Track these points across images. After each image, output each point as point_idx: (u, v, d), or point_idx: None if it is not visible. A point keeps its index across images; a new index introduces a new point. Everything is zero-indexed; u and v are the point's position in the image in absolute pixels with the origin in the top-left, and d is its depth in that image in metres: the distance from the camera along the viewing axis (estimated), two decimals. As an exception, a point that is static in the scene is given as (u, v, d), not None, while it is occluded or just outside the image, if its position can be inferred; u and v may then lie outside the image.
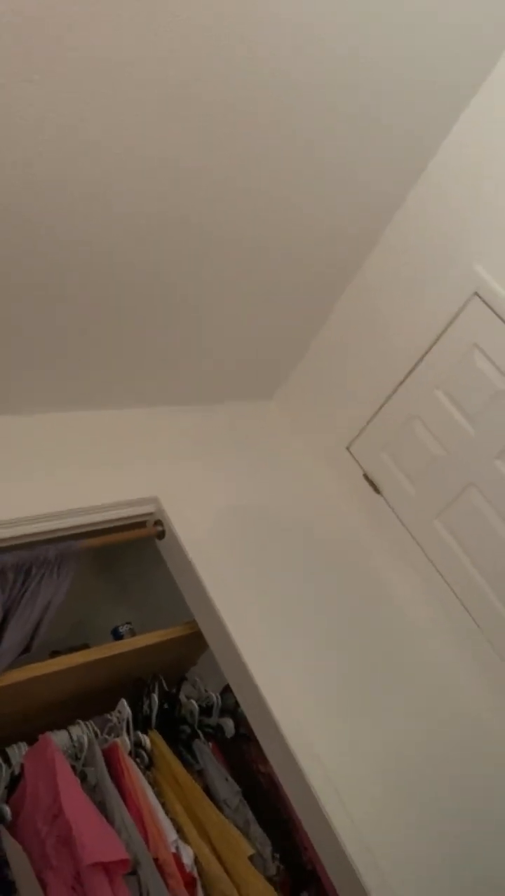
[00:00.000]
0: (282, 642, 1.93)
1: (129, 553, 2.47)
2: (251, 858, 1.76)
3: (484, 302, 2.11)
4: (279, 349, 2.63)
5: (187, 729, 2.06)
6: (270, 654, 1.87)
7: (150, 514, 2.20)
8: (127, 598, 2.62)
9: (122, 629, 2.20)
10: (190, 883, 1.69)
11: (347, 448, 2.58)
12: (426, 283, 2.28)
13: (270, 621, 1.97)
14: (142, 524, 2.22)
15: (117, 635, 2.20)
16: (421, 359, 2.31)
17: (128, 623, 2.24)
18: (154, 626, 2.17)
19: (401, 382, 2.38)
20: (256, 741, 2.05)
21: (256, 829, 1.87)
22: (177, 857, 1.70)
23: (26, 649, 1.85)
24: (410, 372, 2.35)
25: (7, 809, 1.70)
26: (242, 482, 2.36)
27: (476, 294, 2.12)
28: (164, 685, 2.13)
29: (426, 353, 2.29)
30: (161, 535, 2.17)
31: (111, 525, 2.14)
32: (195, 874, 1.71)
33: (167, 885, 1.64)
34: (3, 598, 1.83)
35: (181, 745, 2.01)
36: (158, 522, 2.19)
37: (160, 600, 2.43)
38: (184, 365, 2.35)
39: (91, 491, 2.09)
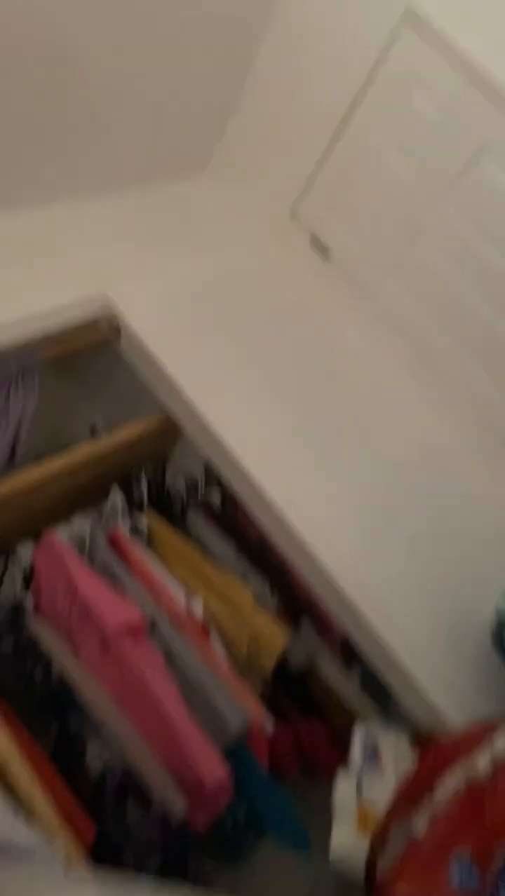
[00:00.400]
0: (251, 411, 2.03)
1: (91, 356, 2.46)
2: (255, 600, 1.99)
3: (414, 29, 1.94)
4: (203, 116, 2.43)
5: (178, 505, 2.21)
6: (241, 423, 1.98)
7: (104, 312, 2.16)
8: (99, 398, 2.67)
9: (99, 426, 2.28)
10: (204, 631, 1.92)
11: (292, 215, 2.50)
12: (353, 14, 2.07)
13: (238, 394, 2.05)
14: (94, 324, 2.19)
15: (94, 432, 2.28)
16: (356, 103, 2.17)
17: (103, 419, 2.30)
18: (127, 421, 2.24)
19: (337, 133, 2.25)
20: (242, 506, 2.23)
21: (254, 577, 2.10)
22: (188, 612, 1.92)
23: (11, 462, 1.92)
24: (346, 119, 2.21)
25: (28, 599, 1.87)
26: (188, 266, 2.31)
27: (405, 21, 1.95)
28: (149, 473, 2.25)
29: (360, 94, 2.15)
30: (117, 333, 2.16)
31: (65, 330, 2.11)
32: (207, 623, 1.94)
33: (184, 636, 1.86)
34: (-26, 417, 1.86)
35: (175, 521, 2.18)
36: (113, 319, 2.17)
37: (129, 398, 2.48)
38: (105, 143, 2.18)
39: (36, 296, 2.03)
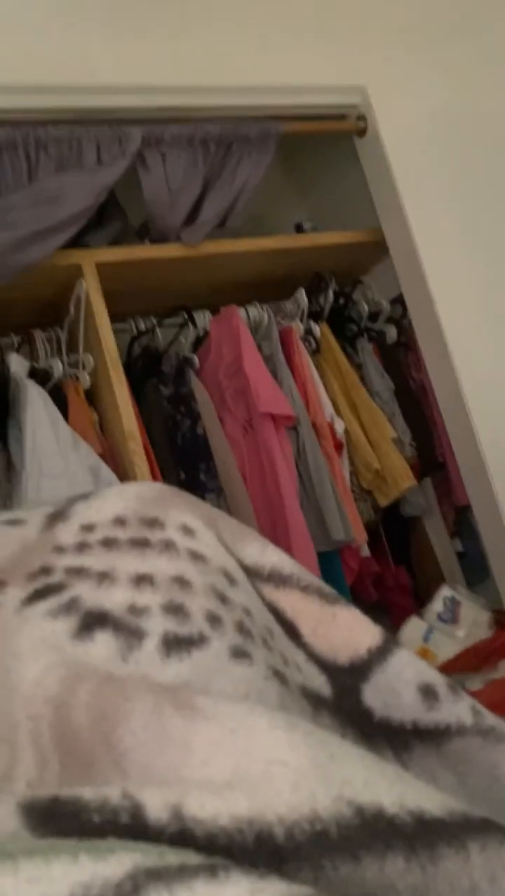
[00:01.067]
0: (467, 262, 1.93)
1: (315, 148, 2.39)
2: (393, 441, 2.02)
3: None
4: None
5: (354, 328, 2.21)
6: (451, 268, 1.90)
7: (354, 106, 2.06)
8: (308, 197, 2.62)
9: (306, 226, 2.25)
10: (338, 447, 1.99)
11: None
12: None
13: (462, 239, 1.95)
14: (341, 117, 2.10)
15: (300, 230, 2.26)
16: None
17: (311, 221, 2.27)
18: (334, 229, 2.19)
19: None
20: (414, 351, 2.20)
21: (399, 421, 2.11)
22: (330, 426, 1.98)
23: (221, 224, 1.95)
24: None
25: (195, 359, 1.98)
26: (464, 83, 2.12)
27: None
28: (337, 286, 2.23)
29: None
30: (362, 131, 2.07)
31: (311, 112, 2.04)
32: (343, 441, 2.00)
33: (320, 444, 1.93)
34: (204, 170, 1.88)
35: (346, 341, 2.18)
36: (361, 117, 2.07)
37: (342, 203, 2.41)
38: None
39: (297, 69, 1.96)
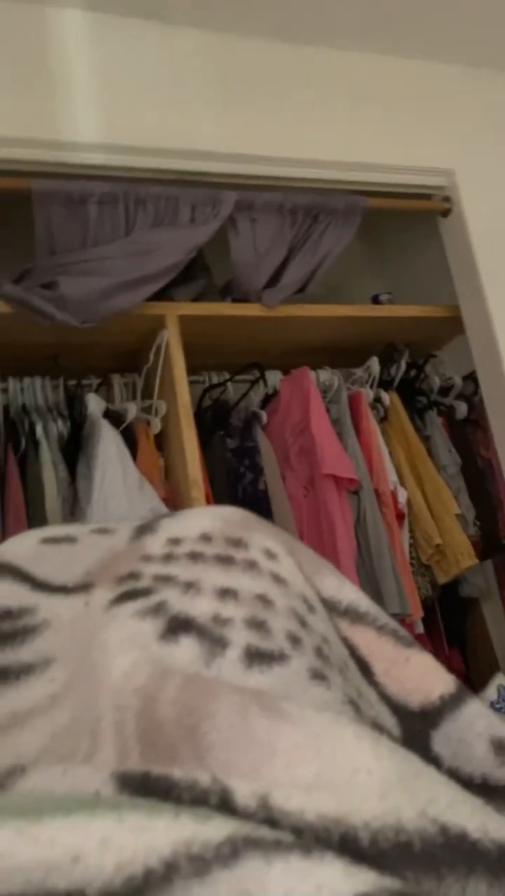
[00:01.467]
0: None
1: (397, 223, 2.44)
2: (456, 517, 1.98)
3: None
4: None
5: (424, 400, 2.21)
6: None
7: (441, 188, 2.12)
8: (387, 270, 2.67)
9: (383, 297, 2.29)
10: (400, 517, 1.96)
11: None
12: None
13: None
14: (426, 196, 2.16)
15: (376, 302, 2.30)
16: None
17: (388, 293, 2.31)
18: (410, 303, 2.22)
19: None
20: (483, 429, 2.18)
21: (464, 497, 2.08)
22: (393, 494, 1.96)
23: (301, 290, 2.01)
24: None
25: (263, 415, 2.00)
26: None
27: None
28: (410, 358, 2.25)
29: None
30: (447, 212, 2.11)
31: (397, 191, 2.11)
32: (405, 511, 1.98)
33: (381, 512, 1.91)
34: (290, 236, 1.94)
35: (415, 413, 2.18)
36: (447, 199, 2.12)
37: (420, 278, 2.45)
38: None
39: (387, 149, 2.04)
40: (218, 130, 1.86)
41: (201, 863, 0.19)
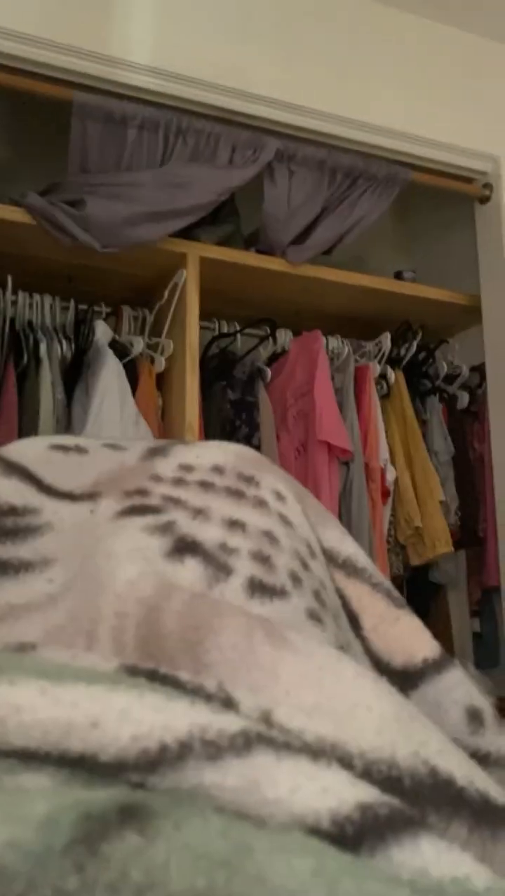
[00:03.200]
0: None
1: (432, 202, 2.41)
2: (439, 503, 2.00)
3: None
4: None
5: (428, 384, 2.21)
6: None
7: (484, 173, 2.09)
8: (413, 247, 2.63)
9: (407, 275, 2.26)
10: (385, 494, 1.97)
11: None
12: None
13: None
14: (467, 180, 2.12)
15: (399, 278, 2.27)
16: None
17: (412, 271, 2.28)
18: (432, 285, 2.20)
19: None
20: (481, 423, 2.18)
21: (450, 486, 2.09)
22: (382, 471, 1.97)
23: (328, 252, 1.98)
24: None
25: (268, 371, 1.99)
26: None
27: None
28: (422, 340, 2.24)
29: None
30: (486, 199, 2.08)
31: (439, 168, 2.07)
32: (391, 490, 1.99)
33: (368, 486, 1.92)
34: (326, 195, 1.91)
35: (417, 395, 2.18)
36: (488, 185, 2.09)
37: (445, 262, 2.42)
38: None
39: (436, 124, 1.99)
40: (272, 75, 1.80)
41: (214, 748, 0.20)
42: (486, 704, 0.40)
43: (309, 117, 1.85)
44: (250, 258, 1.91)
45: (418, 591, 2.14)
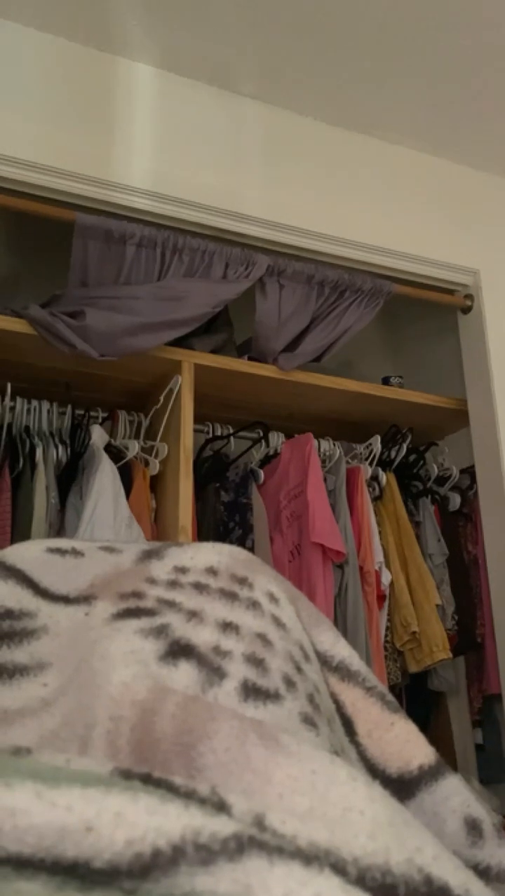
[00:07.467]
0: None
1: (417, 311, 2.51)
2: (436, 607, 1.97)
3: None
4: None
5: (419, 486, 2.23)
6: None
7: (465, 285, 2.19)
8: (399, 354, 2.73)
9: (394, 381, 2.33)
10: (381, 598, 1.95)
11: None
12: None
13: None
14: (449, 291, 2.23)
15: (386, 384, 2.34)
16: None
17: (399, 377, 2.36)
18: (418, 389, 2.27)
19: None
20: (474, 524, 2.19)
21: (446, 589, 2.07)
22: (377, 574, 1.95)
23: (317, 359, 2.05)
24: None
25: (261, 473, 2.01)
26: None
27: None
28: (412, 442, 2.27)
29: None
30: (468, 309, 2.18)
31: (422, 281, 2.18)
32: (386, 594, 1.97)
33: (363, 590, 1.90)
34: (315, 307, 2.00)
35: (409, 497, 2.19)
36: (469, 297, 2.19)
37: (431, 368, 2.50)
38: None
39: (418, 240, 2.11)
40: (262, 197, 1.93)
41: (207, 853, 0.20)
42: (484, 814, 0.39)
43: (296, 236, 1.97)
44: (243, 365, 1.97)
45: (417, 699, 2.07)
